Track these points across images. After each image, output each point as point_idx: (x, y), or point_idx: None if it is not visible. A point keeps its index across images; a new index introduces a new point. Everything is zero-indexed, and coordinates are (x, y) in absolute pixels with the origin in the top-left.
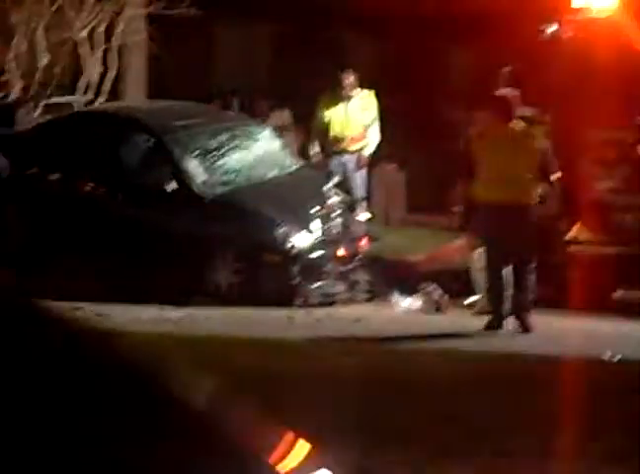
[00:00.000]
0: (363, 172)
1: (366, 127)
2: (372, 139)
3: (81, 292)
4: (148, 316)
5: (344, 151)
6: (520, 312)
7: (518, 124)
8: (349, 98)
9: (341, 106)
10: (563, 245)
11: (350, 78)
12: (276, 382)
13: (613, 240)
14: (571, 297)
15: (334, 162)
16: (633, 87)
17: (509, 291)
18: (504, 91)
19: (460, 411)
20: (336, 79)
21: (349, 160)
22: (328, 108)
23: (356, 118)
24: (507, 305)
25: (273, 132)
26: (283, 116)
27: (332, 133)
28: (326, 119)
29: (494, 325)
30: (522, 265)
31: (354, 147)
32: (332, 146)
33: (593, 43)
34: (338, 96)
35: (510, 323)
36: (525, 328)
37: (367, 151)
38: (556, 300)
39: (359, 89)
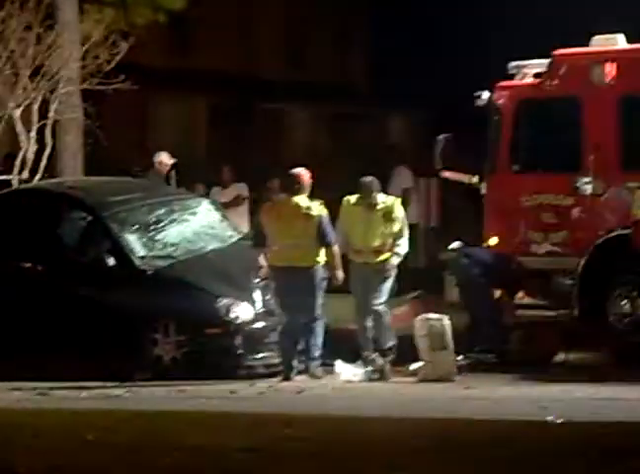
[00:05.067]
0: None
1: (392, 238)
2: (400, 250)
3: (19, 371)
4: (90, 394)
5: (365, 264)
6: (307, 359)
7: (302, 198)
8: (371, 206)
9: (363, 214)
10: (510, 309)
11: (372, 185)
12: (218, 457)
13: (553, 303)
14: (515, 360)
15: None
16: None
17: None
18: (297, 169)
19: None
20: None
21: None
22: (348, 215)
23: (378, 228)
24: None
25: (211, 205)
26: (240, 187)
27: (353, 244)
28: (346, 228)
29: (285, 377)
30: (309, 320)
31: (376, 259)
32: (353, 257)
33: (525, 109)
34: (359, 203)
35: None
36: (311, 375)
37: (395, 260)
38: (498, 364)
39: (382, 196)
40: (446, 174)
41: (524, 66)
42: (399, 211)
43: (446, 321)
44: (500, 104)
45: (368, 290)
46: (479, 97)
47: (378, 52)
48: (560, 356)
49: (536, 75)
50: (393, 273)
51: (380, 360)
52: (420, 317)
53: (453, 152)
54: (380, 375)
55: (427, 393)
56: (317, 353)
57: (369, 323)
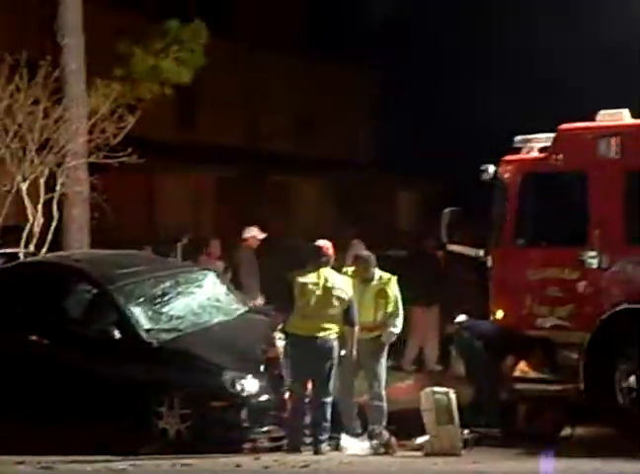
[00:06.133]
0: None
1: (385, 316)
2: (394, 329)
3: (25, 445)
4: (94, 468)
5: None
6: (315, 437)
7: (333, 274)
8: (367, 281)
9: (357, 288)
10: (509, 383)
11: (369, 260)
12: None
13: (558, 378)
14: (518, 435)
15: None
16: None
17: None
18: (321, 241)
19: None
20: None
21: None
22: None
23: (371, 304)
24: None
25: (217, 277)
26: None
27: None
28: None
29: (291, 450)
30: (320, 394)
31: (367, 336)
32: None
33: (530, 183)
34: (355, 276)
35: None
36: (316, 451)
37: (386, 339)
38: (503, 438)
39: (379, 272)
40: (453, 247)
41: (530, 140)
42: (394, 289)
43: (452, 395)
44: (505, 177)
45: (352, 368)
46: (485, 170)
47: (383, 128)
48: (566, 431)
49: (542, 149)
50: (384, 350)
51: (386, 434)
52: (426, 390)
53: (460, 225)
54: (386, 449)
55: (433, 467)
56: (325, 428)
57: (351, 400)
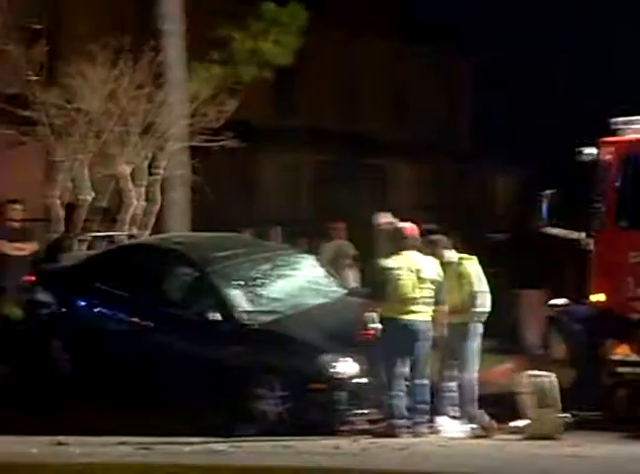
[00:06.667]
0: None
1: (468, 297)
2: (478, 309)
3: (126, 425)
4: (193, 449)
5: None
6: (413, 419)
7: (416, 254)
8: (443, 264)
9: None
10: (609, 366)
11: (437, 242)
12: None
13: None
14: (618, 419)
15: None
16: None
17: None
18: (404, 223)
19: None
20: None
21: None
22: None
23: (452, 286)
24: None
25: (315, 260)
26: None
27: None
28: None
29: (389, 433)
30: (417, 376)
31: (453, 320)
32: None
33: (632, 165)
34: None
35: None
36: (414, 434)
37: (472, 321)
38: (604, 422)
39: (453, 253)
40: (552, 230)
41: (632, 122)
42: (472, 269)
43: (553, 378)
44: (607, 159)
45: (446, 351)
46: (581, 152)
47: (481, 113)
48: None
49: None
50: (473, 332)
51: (485, 417)
52: (526, 374)
53: (559, 208)
54: (484, 432)
55: (532, 451)
56: (423, 410)
57: (447, 383)
